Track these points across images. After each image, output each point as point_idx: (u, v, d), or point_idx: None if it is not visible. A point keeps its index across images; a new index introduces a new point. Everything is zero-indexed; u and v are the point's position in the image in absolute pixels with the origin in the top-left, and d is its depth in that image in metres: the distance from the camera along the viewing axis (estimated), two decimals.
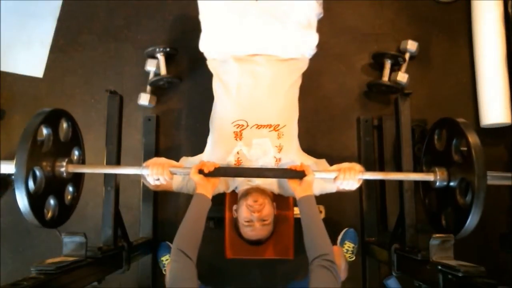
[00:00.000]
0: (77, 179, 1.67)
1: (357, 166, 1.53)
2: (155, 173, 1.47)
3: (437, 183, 1.55)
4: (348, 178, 1.48)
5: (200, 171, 1.44)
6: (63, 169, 1.51)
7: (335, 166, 1.56)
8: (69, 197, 1.63)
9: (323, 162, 1.71)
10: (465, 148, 1.45)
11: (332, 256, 1.27)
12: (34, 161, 1.37)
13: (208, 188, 1.44)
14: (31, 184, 1.38)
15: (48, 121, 1.46)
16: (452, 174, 1.53)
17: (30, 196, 1.34)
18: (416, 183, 1.75)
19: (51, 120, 1.49)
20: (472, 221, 1.39)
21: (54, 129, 1.51)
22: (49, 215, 1.50)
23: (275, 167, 1.61)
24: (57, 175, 1.51)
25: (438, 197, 1.65)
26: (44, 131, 1.47)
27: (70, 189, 1.63)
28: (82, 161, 1.71)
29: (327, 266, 1.23)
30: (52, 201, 1.51)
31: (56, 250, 1.52)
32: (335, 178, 1.51)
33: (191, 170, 1.45)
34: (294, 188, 1.46)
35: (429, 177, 1.57)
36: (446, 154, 1.56)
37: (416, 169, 1.78)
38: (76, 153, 1.67)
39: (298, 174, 1.46)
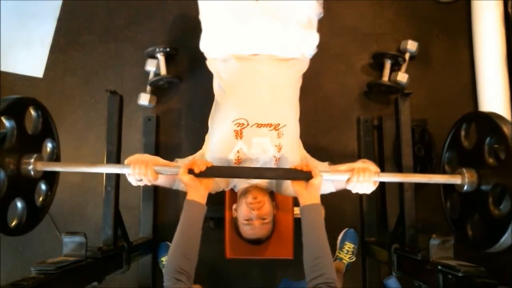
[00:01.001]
0: (51, 176, 1.48)
1: (372, 166, 1.37)
2: (137, 173, 1.30)
3: (465, 187, 1.35)
4: (363, 180, 1.32)
5: (190, 171, 1.27)
6: (30, 167, 1.30)
7: (346, 166, 1.40)
8: (40, 197, 1.46)
9: (325, 165, 1.64)
10: (499, 147, 1.26)
11: (336, 282, 1.16)
12: None
13: (200, 191, 1.28)
14: None
15: (10, 112, 1.25)
16: (483, 178, 1.32)
17: None
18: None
19: (13, 110, 1.27)
20: (510, 235, 1.18)
21: (19, 121, 1.30)
22: (15, 221, 1.33)
23: (275, 167, 1.61)
24: (24, 174, 1.31)
25: (464, 202, 1.46)
26: (6, 124, 1.27)
27: (43, 187, 1.46)
28: (56, 155, 1.52)
29: None
30: (19, 205, 1.34)
31: (56, 250, 1.52)
32: (348, 181, 1.35)
33: (179, 169, 1.29)
34: (299, 192, 1.31)
35: (455, 179, 1.37)
36: (476, 154, 1.35)
37: (416, 169, 1.76)
38: (49, 146, 1.50)
39: (303, 175, 1.29)
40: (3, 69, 2.43)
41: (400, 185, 1.74)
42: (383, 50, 2.29)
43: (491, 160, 1.30)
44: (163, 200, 2.30)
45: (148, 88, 2.32)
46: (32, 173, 1.32)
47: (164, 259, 2.16)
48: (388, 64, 2.27)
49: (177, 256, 1.17)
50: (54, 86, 2.42)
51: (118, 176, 1.77)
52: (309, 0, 1.72)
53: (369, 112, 2.34)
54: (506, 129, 1.21)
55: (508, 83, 2.20)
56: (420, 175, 1.50)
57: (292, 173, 1.33)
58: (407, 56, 2.31)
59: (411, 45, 2.29)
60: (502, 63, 2.20)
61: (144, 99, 2.28)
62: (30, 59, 2.44)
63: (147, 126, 2.32)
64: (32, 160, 1.31)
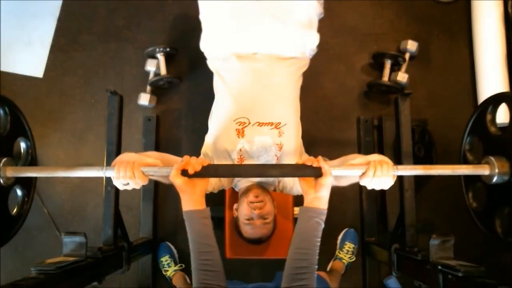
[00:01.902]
0: (27, 181, 1.33)
1: (389, 160, 1.23)
2: (122, 176, 1.13)
3: (495, 178, 1.22)
4: (381, 174, 1.16)
5: (184, 173, 1.12)
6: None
7: (360, 159, 1.24)
8: (16, 205, 1.32)
9: None
10: None
11: None
12: None
13: (196, 196, 1.15)
14: None
15: None
16: None
17: None
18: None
19: None
20: None
21: None
22: None
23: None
24: None
25: (491, 195, 1.33)
26: None
27: (19, 193, 1.32)
28: (31, 155, 1.38)
29: None
30: None
31: (56, 250, 1.51)
32: (362, 175, 1.19)
33: (172, 171, 1.13)
34: (306, 192, 1.18)
35: (483, 170, 1.24)
36: (506, 141, 1.22)
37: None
38: (22, 146, 1.36)
39: (312, 171, 1.15)
40: (3, 69, 2.43)
41: (400, 185, 1.74)
42: (383, 50, 2.29)
43: None
44: (163, 200, 2.30)
45: (148, 88, 2.32)
46: (1, 180, 1.17)
47: (164, 259, 2.16)
48: (388, 64, 2.27)
49: (198, 272, 1.10)
50: (54, 86, 2.42)
51: None
52: (310, 0, 1.72)
53: (369, 112, 2.34)
54: None
55: (508, 83, 2.20)
56: (442, 166, 1.30)
57: (300, 170, 1.19)
58: (407, 56, 2.31)
59: (411, 45, 2.29)
60: (502, 63, 2.20)
61: (144, 99, 2.28)
62: (30, 59, 2.44)
63: (147, 126, 2.32)
64: (0, 166, 1.15)
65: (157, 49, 2.26)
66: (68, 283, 1.35)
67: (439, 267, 1.37)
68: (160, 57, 2.28)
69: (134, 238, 2.02)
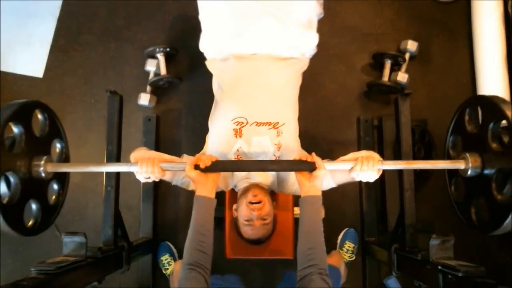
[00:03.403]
0: (61, 176, 1.50)
1: (376, 155, 1.39)
2: (145, 171, 1.33)
3: (469, 172, 1.35)
4: (366, 169, 1.33)
5: (196, 167, 1.29)
6: (41, 169, 1.32)
7: (351, 155, 1.41)
8: (53, 196, 1.48)
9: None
10: (503, 130, 1.26)
11: (327, 270, 1.19)
12: (4, 166, 1.19)
13: (208, 186, 1.30)
14: (4, 190, 1.22)
15: (17, 118, 1.26)
16: (487, 162, 1.32)
17: (3, 207, 1.19)
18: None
19: (20, 115, 1.28)
20: None
21: (27, 126, 1.31)
22: (31, 222, 1.35)
23: None
24: (36, 177, 1.32)
25: (468, 187, 1.45)
26: (15, 130, 1.28)
27: (55, 187, 1.48)
28: (65, 154, 1.54)
29: (327, 281, 1.15)
30: (33, 206, 1.35)
31: (56, 250, 1.52)
32: (351, 169, 1.36)
33: (186, 165, 1.30)
34: (302, 183, 1.32)
35: (459, 164, 1.37)
36: (480, 138, 1.35)
37: (415, 169, 1.76)
38: (58, 146, 1.51)
39: (307, 166, 1.30)
40: (3, 69, 2.43)
41: (400, 185, 1.74)
42: (383, 50, 2.29)
43: (494, 145, 1.29)
44: (163, 200, 2.30)
45: (148, 88, 2.32)
46: (43, 174, 1.34)
47: (164, 258, 2.16)
48: (388, 64, 2.27)
49: (192, 250, 1.19)
50: (54, 86, 2.42)
51: (118, 176, 1.77)
52: (309, 0, 1.72)
53: (369, 112, 2.34)
54: (509, 113, 1.20)
55: (508, 83, 2.20)
56: (423, 161, 1.51)
57: (296, 164, 1.34)
58: (407, 56, 2.31)
59: (411, 45, 2.29)
60: (502, 63, 2.20)
61: (144, 99, 2.28)
62: (30, 59, 2.45)
63: (147, 126, 2.32)
64: (42, 163, 1.33)
65: (157, 49, 2.26)
66: (68, 283, 1.36)
67: (439, 267, 1.37)
68: (160, 57, 2.28)
69: (134, 238, 2.02)
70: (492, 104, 1.29)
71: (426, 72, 2.38)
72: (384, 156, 2.22)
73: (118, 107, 1.80)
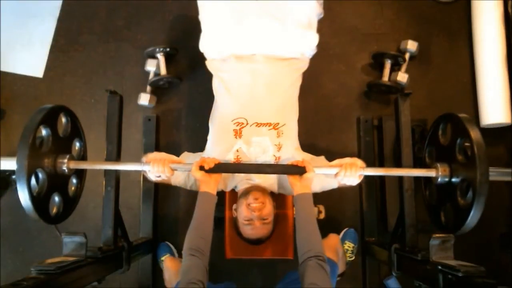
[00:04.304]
0: (80, 171, 1.69)
1: (359, 162, 1.52)
2: (156, 171, 1.48)
3: (439, 179, 1.54)
4: (349, 174, 1.47)
5: (201, 168, 1.44)
6: (64, 167, 1.51)
7: (336, 162, 1.54)
8: (72, 189, 1.66)
9: (322, 159, 1.70)
10: (468, 145, 1.44)
11: (325, 256, 1.28)
12: (35, 164, 1.38)
13: (211, 185, 1.44)
14: (34, 184, 1.39)
15: (46, 121, 1.45)
16: (454, 171, 1.51)
17: (34, 198, 1.36)
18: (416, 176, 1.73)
19: (49, 119, 1.47)
20: (471, 221, 1.40)
21: (53, 127, 1.50)
22: (54, 211, 1.53)
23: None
24: (59, 172, 1.51)
25: (439, 192, 1.64)
26: (43, 131, 1.46)
27: (74, 181, 1.67)
28: (83, 152, 1.73)
29: (324, 267, 1.24)
30: (56, 198, 1.53)
31: (56, 250, 1.52)
32: (336, 174, 1.50)
33: (192, 167, 1.45)
34: (294, 184, 1.46)
35: (430, 173, 1.56)
36: (450, 150, 1.54)
37: (417, 165, 1.79)
38: (77, 145, 1.68)
39: (298, 170, 1.46)
40: (3, 69, 2.43)
41: (400, 185, 1.74)
42: (383, 50, 2.29)
43: (460, 157, 1.49)
44: (163, 200, 2.30)
45: (148, 88, 2.32)
46: (66, 171, 1.52)
47: (164, 258, 2.16)
48: (388, 64, 2.27)
49: (192, 237, 1.32)
50: (54, 86, 2.42)
51: (118, 176, 1.77)
52: (309, 0, 1.72)
53: (369, 112, 2.34)
54: (472, 133, 1.40)
55: (508, 83, 2.20)
56: (400, 169, 1.71)
57: (289, 168, 1.50)
58: (407, 56, 2.31)
59: (411, 45, 2.29)
60: (502, 63, 2.20)
61: (144, 99, 2.28)
62: (30, 59, 2.45)
63: (147, 126, 2.32)
64: (66, 160, 1.51)
65: (157, 49, 2.26)
66: (68, 283, 1.35)
67: (439, 267, 1.37)
68: (160, 57, 2.28)
69: (134, 238, 2.02)
70: (460, 123, 1.48)
71: (426, 72, 2.38)
72: (384, 156, 2.23)
73: (118, 107, 1.80)
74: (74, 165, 1.54)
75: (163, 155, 1.57)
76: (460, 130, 1.48)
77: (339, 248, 1.96)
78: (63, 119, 1.60)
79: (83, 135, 1.73)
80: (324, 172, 1.54)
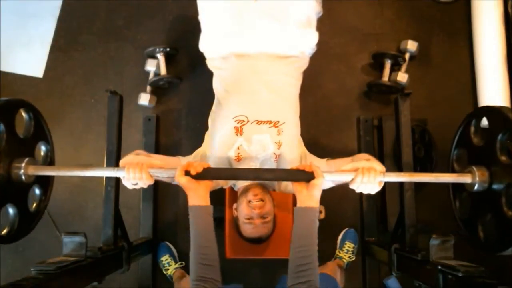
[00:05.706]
0: (45, 180, 1.43)
1: (377, 165, 1.31)
2: (132, 177, 1.25)
3: (476, 186, 1.30)
4: (367, 181, 1.26)
5: (187, 173, 1.23)
6: (21, 172, 1.25)
7: (350, 165, 1.33)
8: (34, 203, 1.42)
9: (323, 162, 1.66)
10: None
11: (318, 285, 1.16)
12: None
13: (200, 192, 1.24)
14: None
15: None
16: (495, 176, 1.26)
17: None
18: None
19: (2, 113, 1.22)
20: None
21: (8, 124, 1.24)
22: (6, 229, 1.28)
23: (275, 164, 1.60)
24: (15, 179, 1.25)
25: (474, 201, 1.40)
26: None
27: (37, 192, 1.41)
28: (50, 158, 1.48)
29: None
30: (10, 211, 1.29)
31: (56, 250, 1.52)
32: (351, 181, 1.29)
33: (176, 172, 1.24)
34: (299, 191, 1.26)
35: (465, 178, 1.32)
36: (487, 151, 1.30)
37: (415, 169, 1.76)
38: (42, 149, 1.46)
39: (305, 176, 1.24)
40: (3, 69, 2.43)
41: (400, 185, 1.74)
42: (383, 50, 2.29)
43: (503, 158, 1.24)
44: (163, 200, 2.30)
45: (148, 88, 2.32)
46: (23, 177, 1.27)
47: (163, 259, 2.16)
48: (388, 64, 2.27)
49: (196, 266, 1.17)
50: (54, 86, 2.42)
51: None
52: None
53: (369, 112, 2.34)
54: None
55: (508, 83, 2.20)
56: (427, 174, 1.46)
57: (294, 174, 1.28)
58: (407, 56, 2.31)
59: (411, 45, 2.29)
60: (502, 63, 2.20)
61: (144, 99, 2.28)
62: (30, 59, 2.44)
63: (147, 126, 2.32)
64: (23, 165, 1.25)
65: (157, 49, 2.26)
66: (68, 283, 1.35)
67: (439, 267, 1.37)
68: (160, 57, 2.28)
69: (134, 238, 2.02)
70: (500, 115, 1.24)
71: (426, 72, 2.38)
72: (384, 156, 2.22)
73: (118, 107, 1.80)
74: (34, 170, 1.28)
75: (141, 158, 1.33)
76: (501, 124, 1.22)
77: (337, 271, 1.96)
78: (25, 116, 1.36)
79: (50, 137, 1.49)
80: (335, 179, 1.33)
